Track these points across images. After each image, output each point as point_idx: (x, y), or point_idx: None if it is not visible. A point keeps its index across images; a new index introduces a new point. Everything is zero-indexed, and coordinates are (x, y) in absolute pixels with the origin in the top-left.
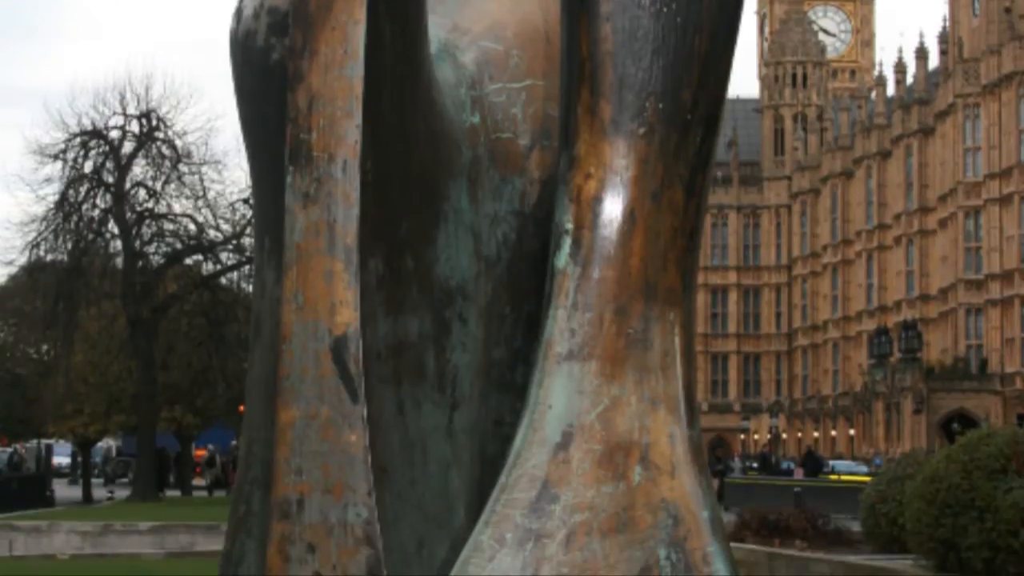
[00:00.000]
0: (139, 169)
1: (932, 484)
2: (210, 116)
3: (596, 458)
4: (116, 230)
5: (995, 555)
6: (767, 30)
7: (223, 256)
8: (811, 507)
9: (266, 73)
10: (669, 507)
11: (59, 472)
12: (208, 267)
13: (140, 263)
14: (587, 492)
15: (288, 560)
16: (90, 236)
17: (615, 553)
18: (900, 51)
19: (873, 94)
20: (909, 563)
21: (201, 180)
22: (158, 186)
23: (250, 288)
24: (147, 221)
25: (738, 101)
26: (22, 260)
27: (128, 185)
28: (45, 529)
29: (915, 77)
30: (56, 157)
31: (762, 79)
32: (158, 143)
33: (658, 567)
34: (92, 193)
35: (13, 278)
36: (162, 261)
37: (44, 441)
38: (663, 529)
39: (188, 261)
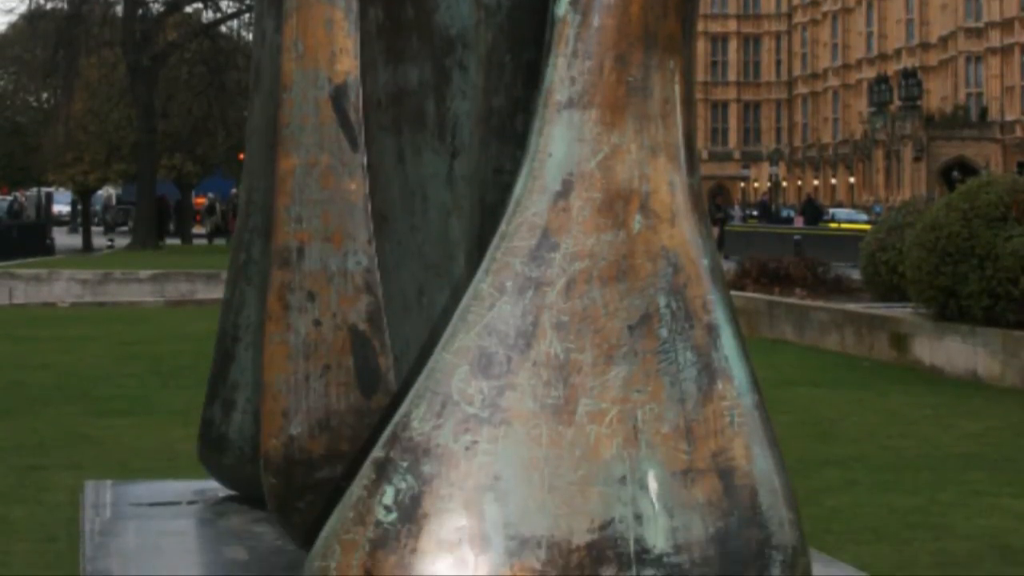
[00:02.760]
0: None
1: (932, 232)
2: None
3: (596, 206)
4: None
5: (995, 303)
6: None
7: (223, 4)
8: (811, 255)
9: None
10: (669, 255)
11: (59, 220)
12: (208, 15)
13: (140, 11)
14: (587, 240)
15: (288, 308)
16: None
17: (615, 301)
18: None
19: None
20: (909, 311)
21: None
22: None
23: (250, 36)
24: None
25: None
26: (21, 8)
27: None
28: (45, 277)
29: None
30: None
31: None
32: None
33: (658, 314)
34: None
35: (13, 26)
36: (162, 9)
37: (44, 189)
38: (663, 277)
39: (188, 9)
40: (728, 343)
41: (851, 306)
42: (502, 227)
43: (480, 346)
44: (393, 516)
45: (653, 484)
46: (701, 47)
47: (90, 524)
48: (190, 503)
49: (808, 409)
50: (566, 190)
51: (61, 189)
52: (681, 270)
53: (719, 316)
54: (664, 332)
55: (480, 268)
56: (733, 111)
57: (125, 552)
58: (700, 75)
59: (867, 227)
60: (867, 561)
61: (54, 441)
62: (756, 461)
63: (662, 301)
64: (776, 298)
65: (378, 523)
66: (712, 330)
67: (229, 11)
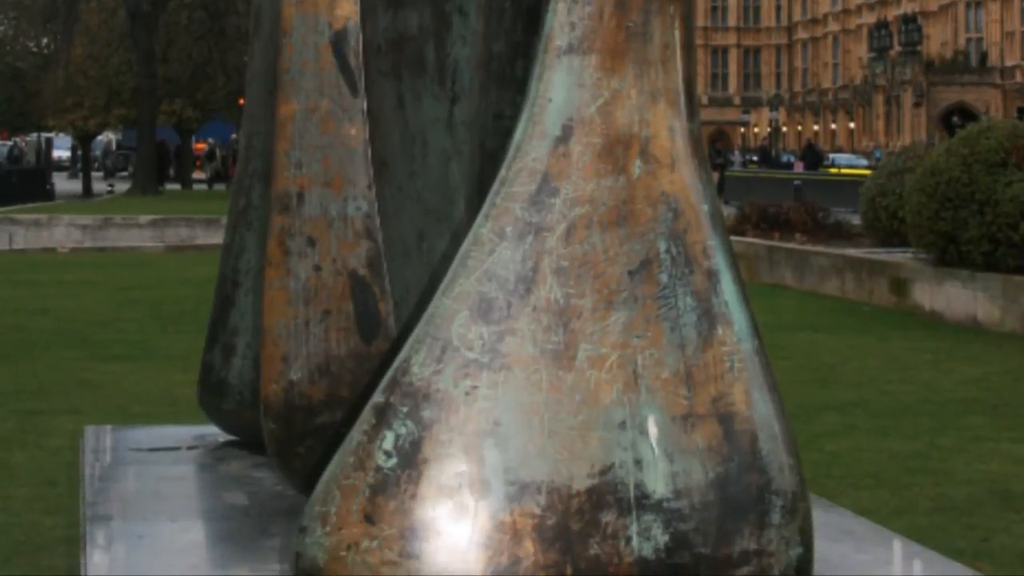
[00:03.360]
0: None
1: (932, 177)
2: None
3: (596, 151)
4: None
5: (995, 248)
6: None
7: None
8: (811, 200)
9: None
10: (669, 200)
11: (59, 165)
12: None
13: None
14: (587, 185)
15: (288, 253)
16: None
17: (615, 246)
18: None
19: None
20: (909, 256)
21: None
22: None
23: None
24: None
25: None
26: None
27: None
28: (45, 223)
29: None
30: None
31: None
32: None
33: (658, 260)
34: None
35: None
36: None
37: (44, 134)
38: (663, 222)
39: None
40: (728, 288)
41: (851, 251)
42: (502, 172)
43: (480, 291)
44: (393, 461)
45: (653, 429)
46: None
47: (90, 469)
48: (190, 448)
49: (808, 354)
50: (566, 135)
51: (61, 134)
52: (681, 215)
53: (719, 261)
54: (664, 277)
55: (480, 213)
56: (733, 56)
57: (125, 497)
58: (700, 20)
59: (867, 172)
60: (867, 506)
61: (54, 386)
62: (756, 406)
63: (662, 246)
64: (776, 243)
65: (378, 468)
66: (712, 275)
67: None
